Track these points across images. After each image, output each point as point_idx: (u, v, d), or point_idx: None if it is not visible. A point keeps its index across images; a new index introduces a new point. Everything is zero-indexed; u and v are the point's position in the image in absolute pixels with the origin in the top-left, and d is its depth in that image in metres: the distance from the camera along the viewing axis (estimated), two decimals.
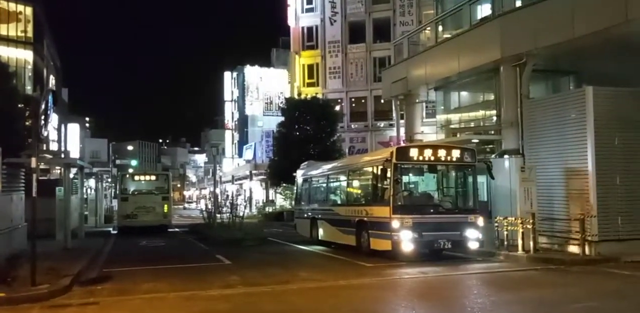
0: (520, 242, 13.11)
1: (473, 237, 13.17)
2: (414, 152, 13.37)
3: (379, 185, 13.61)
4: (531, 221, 13.07)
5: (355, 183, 16.35)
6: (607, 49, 13.97)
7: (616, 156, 12.98)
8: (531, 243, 13.03)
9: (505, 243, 13.61)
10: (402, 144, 21.15)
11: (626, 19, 11.94)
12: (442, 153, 13.47)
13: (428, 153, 13.36)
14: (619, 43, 13.54)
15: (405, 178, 13.79)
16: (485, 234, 13.64)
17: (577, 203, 13.09)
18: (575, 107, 13.28)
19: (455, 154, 13.56)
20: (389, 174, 13.02)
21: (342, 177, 16.91)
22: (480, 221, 13.37)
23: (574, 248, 12.93)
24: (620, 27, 12.23)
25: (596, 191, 12.66)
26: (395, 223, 12.67)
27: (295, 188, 22.41)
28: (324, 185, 18.37)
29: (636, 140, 13.23)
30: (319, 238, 17.54)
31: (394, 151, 13.26)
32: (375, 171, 13.93)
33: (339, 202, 17.04)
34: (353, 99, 42.80)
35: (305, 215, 19.16)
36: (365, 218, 14.16)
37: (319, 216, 17.72)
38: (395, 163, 13.00)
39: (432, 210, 13.41)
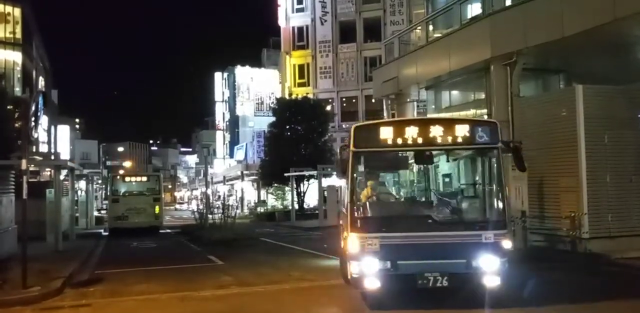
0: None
1: (490, 269, 7.70)
2: (386, 132, 8.05)
3: (343, 184, 9.46)
4: (522, 219, 13.12)
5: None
6: (597, 48, 14.06)
7: (606, 154, 13.04)
8: (522, 241, 13.08)
9: None
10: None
11: (614, 18, 12.02)
12: (436, 131, 8.05)
13: (412, 132, 8.03)
14: (608, 41, 13.64)
15: (373, 174, 9.31)
16: None
17: (568, 201, 13.15)
18: (566, 105, 13.34)
19: (461, 131, 8.08)
20: (347, 168, 8.24)
21: None
22: (507, 242, 7.92)
23: (565, 246, 12.99)
24: (609, 25, 12.31)
25: (587, 189, 12.71)
26: (352, 246, 7.89)
27: None
28: None
29: (625, 138, 13.30)
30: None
31: (352, 131, 8.22)
32: (340, 164, 8.82)
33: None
34: (344, 99, 42.87)
35: None
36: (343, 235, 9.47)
37: None
38: (355, 152, 8.11)
39: (416, 224, 8.08)
